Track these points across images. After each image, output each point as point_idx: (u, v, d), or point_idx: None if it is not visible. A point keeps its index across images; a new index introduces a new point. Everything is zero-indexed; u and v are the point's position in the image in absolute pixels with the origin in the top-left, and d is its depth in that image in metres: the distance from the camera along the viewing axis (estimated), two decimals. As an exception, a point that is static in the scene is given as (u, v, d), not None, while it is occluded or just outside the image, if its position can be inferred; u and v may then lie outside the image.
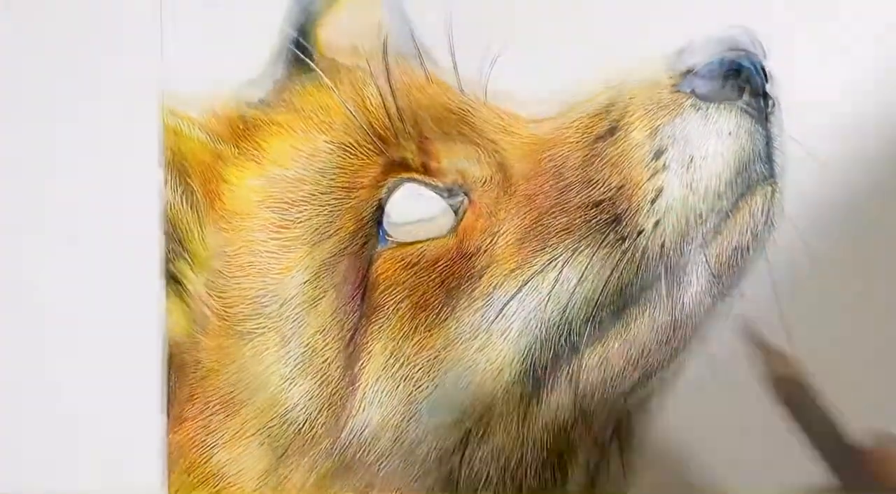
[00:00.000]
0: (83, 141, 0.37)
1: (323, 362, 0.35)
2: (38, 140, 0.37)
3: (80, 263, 0.36)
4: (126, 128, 0.37)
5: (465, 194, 0.36)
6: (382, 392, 0.35)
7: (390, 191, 0.36)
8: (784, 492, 0.35)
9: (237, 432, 0.35)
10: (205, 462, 0.35)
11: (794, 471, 0.35)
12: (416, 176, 0.36)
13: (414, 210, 0.36)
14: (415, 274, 0.35)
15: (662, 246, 0.35)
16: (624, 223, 0.35)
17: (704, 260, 0.36)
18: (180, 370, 0.35)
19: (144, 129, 0.37)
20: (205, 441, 0.35)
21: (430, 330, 0.35)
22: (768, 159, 0.36)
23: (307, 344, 0.35)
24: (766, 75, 0.36)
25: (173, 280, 0.36)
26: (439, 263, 0.35)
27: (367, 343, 0.35)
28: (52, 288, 0.36)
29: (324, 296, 0.35)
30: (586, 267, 0.35)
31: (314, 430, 0.35)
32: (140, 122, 0.37)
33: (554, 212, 0.36)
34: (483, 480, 0.35)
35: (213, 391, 0.35)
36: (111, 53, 0.38)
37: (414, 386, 0.35)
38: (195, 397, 0.35)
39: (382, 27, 0.38)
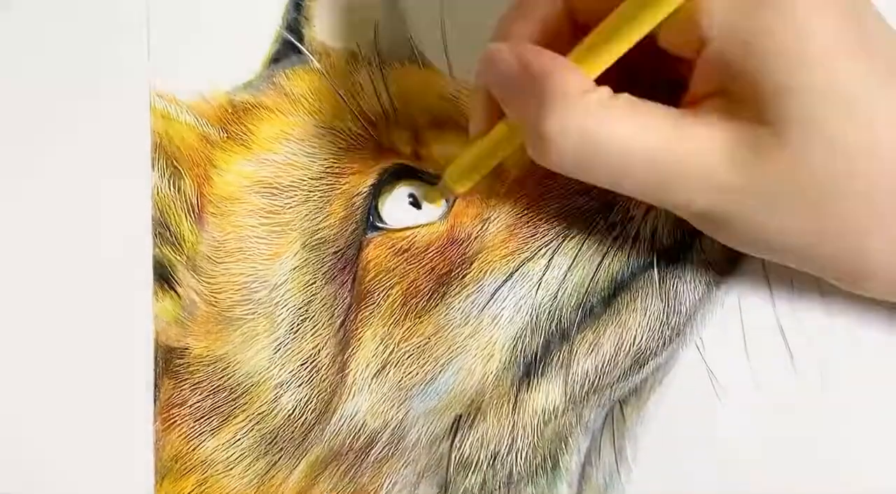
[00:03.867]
0: (69, 124, 0.37)
1: (312, 348, 0.35)
2: (23, 127, 0.37)
3: (67, 249, 0.36)
4: (114, 111, 0.37)
5: (456, 180, 0.36)
6: (372, 378, 0.35)
7: (380, 178, 0.36)
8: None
9: (226, 419, 0.35)
10: (193, 450, 0.35)
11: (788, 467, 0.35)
12: (406, 162, 0.36)
13: (404, 196, 0.36)
14: (405, 260, 0.35)
15: (654, 232, 0.35)
16: (615, 209, 0.35)
17: (698, 246, 0.35)
18: (168, 356, 0.35)
19: (132, 113, 0.37)
20: (193, 428, 0.35)
21: (420, 317, 0.35)
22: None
23: (296, 331, 0.35)
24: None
25: (161, 265, 0.36)
26: (430, 249, 0.35)
27: (357, 329, 0.35)
28: (36, 275, 0.36)
29: (313, 282, 0.35)
30: (577, 254, 0.35)
31: (304, 416, 0.35)
32: (128, 106, 0.37)
33: (545, 199, 0.36)
34: (473, 466, 0.35)
35: (202, 377, 0.35)
36: (98, 35, 0.37)
37: (404, 372, 0.35)
38: (183, 383, 0.35)
39: (375, 11, 0.38)
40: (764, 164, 0.28)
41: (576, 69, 0.29)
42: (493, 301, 0.35)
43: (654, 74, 0.31)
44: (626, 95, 0.29)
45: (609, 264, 0.35)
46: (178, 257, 0.36)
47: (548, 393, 0.35)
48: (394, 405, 0.35)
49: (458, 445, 0.35)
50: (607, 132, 0.28)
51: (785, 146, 0.28)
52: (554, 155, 0.29)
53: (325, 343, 0.35)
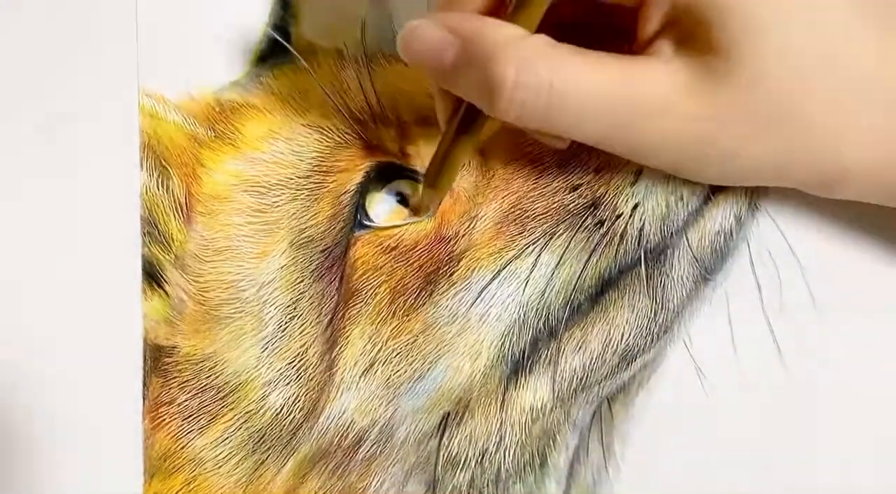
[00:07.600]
0: (59, 124, 0.37)
1: (300, 347, 0.35)
2: (12, 125, 0.37)
3: (57, 248, 0.36)
4: (102, 111, 0.37)
5: (444, 178, 0.36)
6: (360, 376, 0.35)
7: (368, 176, 0.36)
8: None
9: (214, 417, 0.35)
10: (181, 449, 0.35)
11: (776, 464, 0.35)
12: (393, 160, 0.36)
13: (392, 194, 0.36)
14: (393, 258, 0.35)
15: (641, 229, 0.35)
16: (602, 207, 0.35)
17: (686, 243, 0.35)
18: (157, 354, 0.35)
19: (121, 113, 0.37)
20: (181, 426, 0.35)
21: (408, 315, 0.35)
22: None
23: (284, 330, 0.35)
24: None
25: (150, 264, 0.36)
26: (417, 248, 0.35)
27: (345, 327, 0.35)
28: (25, 273, 0.36)
29: (301, 281, 0.35)
30: (564, 251, 0.35)
31: (292, 415, 0.35)
32: (117, 105, 0.37)
33: (532, 196, 0.35)
34: (461, 463, 0.35)
35: (190, 375, 0.35)
36: (87, 34, 0.37)
37: (392, 370, 0.35)
38: (171, 381, 0.35)
39: (361, 9, 0.38)
40: (720, 91, 0.28)
41: (504, 23, 0.29)
42: (480, 299, 0.35)
43: (595, 32, 0.31)
44: (567, 44, 0.29)
45: (597, 261, 0.35)
46: (167, 256, 0.36)
47: (536, 391, 0.35)
48: (382, 403, 0.35)
49: (446, 443, 0.35)
50: (562, 75, 0.28)
51: (737, 70, 0.28)
52: (516, 105, 0.28)
53: (313, 341, 0.35)
